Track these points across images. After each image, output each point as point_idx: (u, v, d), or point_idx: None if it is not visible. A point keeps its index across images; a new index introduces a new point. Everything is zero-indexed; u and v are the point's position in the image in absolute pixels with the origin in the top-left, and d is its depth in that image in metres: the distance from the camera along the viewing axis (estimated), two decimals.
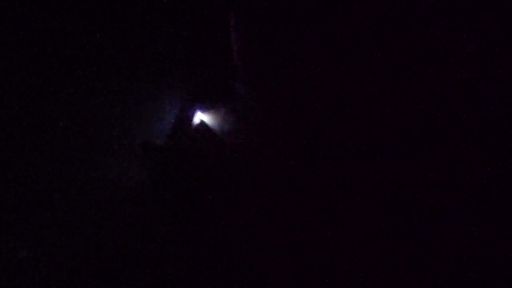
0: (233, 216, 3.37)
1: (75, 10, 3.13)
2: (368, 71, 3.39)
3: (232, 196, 3.42)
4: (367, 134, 3.37)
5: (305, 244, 3.29)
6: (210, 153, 3.47)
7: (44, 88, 3.14)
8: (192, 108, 3.49)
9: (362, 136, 3.37)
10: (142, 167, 3.27)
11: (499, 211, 3.14)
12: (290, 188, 3.36)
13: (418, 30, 3.34)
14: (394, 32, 3.36)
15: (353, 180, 3.33)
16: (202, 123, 3.52)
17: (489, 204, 3.17)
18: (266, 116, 3.45)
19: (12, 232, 3.07)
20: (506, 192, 3.14)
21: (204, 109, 3.51)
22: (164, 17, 3.33)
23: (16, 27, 3.02)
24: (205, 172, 3.44)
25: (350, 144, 3.39)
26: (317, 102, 3.43)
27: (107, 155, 3.23)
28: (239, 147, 3.44)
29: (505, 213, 3.13)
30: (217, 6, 3.43)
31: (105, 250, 3.20)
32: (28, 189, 3.10)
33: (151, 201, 3.33)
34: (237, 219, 3.37)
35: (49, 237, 3.12)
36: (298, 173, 3.39)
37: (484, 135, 3.23)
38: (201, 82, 3.49)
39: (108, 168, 3.21)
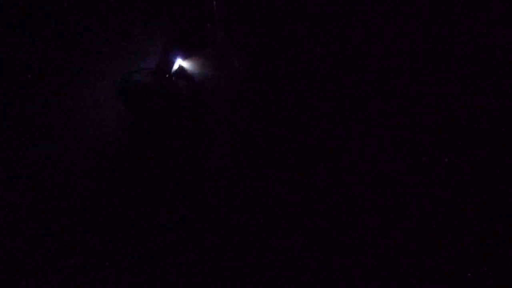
0: (209, 158, 3.52)
1: None
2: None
3: (208, 141, 3.57)
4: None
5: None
6: (187, 96, 3.61)
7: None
8: (173, 54, 3.59)
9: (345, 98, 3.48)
10: (120, 106, 3.39)
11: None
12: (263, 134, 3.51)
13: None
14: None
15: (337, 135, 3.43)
16: (181, 68, 3.63)
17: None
18: (242, 63, 3.57)
19: None
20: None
21: (184, 55, 3.61)
22: None
23: None
24: (182, 116, 3.57)
25: (325, 100, 3.51)
26: (291, 49, 3.53)
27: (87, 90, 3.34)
28: (215, 92, 3.58)
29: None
30: None
31: (78, 196, 3.28)
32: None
33: (128, 143, 3.47)
34: (213, 161, 3.52)
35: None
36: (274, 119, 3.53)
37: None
38: (182, 29, 3.57)
39: (87, 105, 3.33)
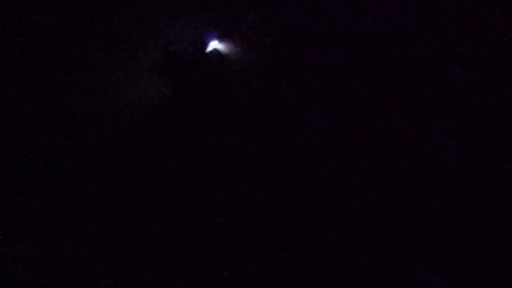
0: (235, 136, 3.83)
1: None
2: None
3: (236, 118, 3.89)
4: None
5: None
6: (221, 75, 3.98)
7: None
8: (206, 35, 4.00)
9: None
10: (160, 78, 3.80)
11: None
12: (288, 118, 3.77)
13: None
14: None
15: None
16: (214, 49, 4.03)
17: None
18: (272, 44, 3.91)
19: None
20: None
21: (217, 37, 4.02)
22: None
23: None
24: (214, 93, 3.94)
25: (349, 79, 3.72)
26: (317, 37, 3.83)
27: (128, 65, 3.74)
28: (246, 72, 3.94)
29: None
30: None
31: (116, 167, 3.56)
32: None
33: (167, 114, 3.85)
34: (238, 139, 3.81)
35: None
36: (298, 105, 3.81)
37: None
38: (215, 11, 3.98)
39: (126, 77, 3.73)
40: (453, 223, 3.23)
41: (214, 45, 4.01)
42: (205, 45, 3.99)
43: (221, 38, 4.01)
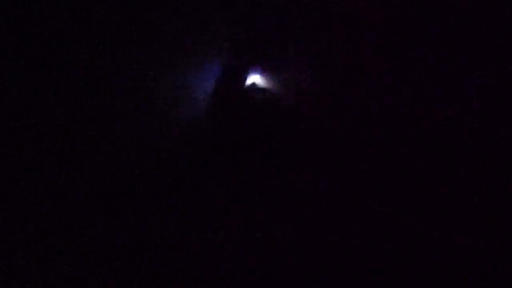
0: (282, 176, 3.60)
1: None
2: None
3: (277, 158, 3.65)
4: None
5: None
6: (260, 112, 3.74)
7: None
8: (248, 69, 3.79)
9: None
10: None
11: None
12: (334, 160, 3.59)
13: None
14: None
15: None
16: (254, 84, 3.80)
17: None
18: (315, 85, 3.73)
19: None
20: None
21: (258, 72, 3.81)
22: None
23: None
24: (255, 131, 3.70)
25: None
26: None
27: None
28: (287, 109, 3.72)
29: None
30: None
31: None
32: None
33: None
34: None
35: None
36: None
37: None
38: (258, 46, 3.79)
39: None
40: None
41: (254, 79, 3.80)
42: (247, 76, 3.77)
43: (262, 72, 3.81)
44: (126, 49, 3.31)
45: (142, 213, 3.33)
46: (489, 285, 3.11)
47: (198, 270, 3.25)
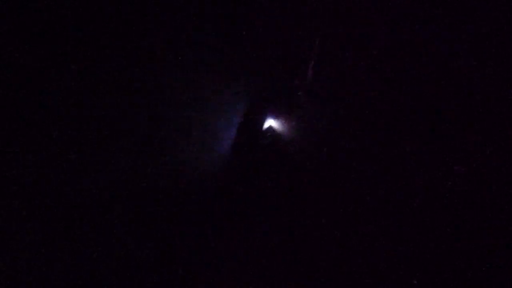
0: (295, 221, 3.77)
1: None
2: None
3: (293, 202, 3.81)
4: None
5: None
6: (275, 155, 3.92)
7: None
8: (262, 113, 3.96)
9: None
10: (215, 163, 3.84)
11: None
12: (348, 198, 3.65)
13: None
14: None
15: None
16: (270, 128, 3.97)
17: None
18: (327, 126, 3.77)
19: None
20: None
21: (273, 115, 3.96)
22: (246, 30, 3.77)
23: None
24: (269, 173, 3.89)
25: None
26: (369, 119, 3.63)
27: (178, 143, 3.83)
28: (301, 152, 3.83)
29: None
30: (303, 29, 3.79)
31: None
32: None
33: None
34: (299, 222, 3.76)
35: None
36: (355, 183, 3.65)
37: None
38: (272, 91, 3.93)
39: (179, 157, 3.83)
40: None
41: (270, 122, 3.96)
42: (260, 124, 3.95)
43: (276, 116, 3.95)
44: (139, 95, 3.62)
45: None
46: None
47: None
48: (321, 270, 3.53)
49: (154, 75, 3.49)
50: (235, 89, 3.87)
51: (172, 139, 3.69)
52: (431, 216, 3.36)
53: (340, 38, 3.62)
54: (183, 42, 3.56)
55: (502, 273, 3.07)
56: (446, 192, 3.30)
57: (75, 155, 3.17)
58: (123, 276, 3.43)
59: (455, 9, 3.34)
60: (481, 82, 3.27)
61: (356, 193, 3.61)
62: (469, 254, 3.18)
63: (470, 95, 3.29)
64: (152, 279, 3.51)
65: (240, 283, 3.58)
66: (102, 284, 3.31)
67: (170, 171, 3.67)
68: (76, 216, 3.23)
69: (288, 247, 3.69)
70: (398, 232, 3.43)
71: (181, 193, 3.73)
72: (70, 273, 3.21)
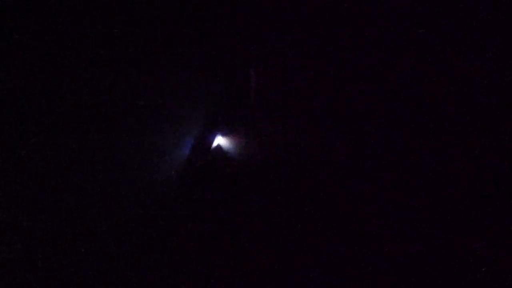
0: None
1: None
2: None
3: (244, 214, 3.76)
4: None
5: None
6: (226, 171, 3.89)
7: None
8: (211, 132, 3.97)
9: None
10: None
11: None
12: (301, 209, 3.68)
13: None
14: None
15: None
16: (219, 146, 3.97)
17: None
18: (275, 140, 3.87)
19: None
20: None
21: (222, 133, 3.98)
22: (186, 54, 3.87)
23: None
24: (220, 190, 3.84)
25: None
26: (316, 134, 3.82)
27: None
28: (251, 166, 3.86)
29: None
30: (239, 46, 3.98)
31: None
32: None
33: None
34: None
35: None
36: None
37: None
38: (220, 109, 3.99)
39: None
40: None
41: (218, 140, 3.97)
42: (210, 141, 3.94)
43: (225, 134, 3.98)
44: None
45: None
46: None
47: None
48: None
49: (103, 98, 3.47)
50: (184, 106, 3.88)
51: (120, 160, 3.58)
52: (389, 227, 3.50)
53: (283, 52, 3.84)
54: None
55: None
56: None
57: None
58: None
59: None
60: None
61: (298, 212, 3.67)
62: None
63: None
64: None
65: None
66: None
67: (117, 192, 3.51)
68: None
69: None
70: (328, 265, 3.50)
71: (124, 214, 3.60)
72: None
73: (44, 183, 3.28)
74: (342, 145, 3.67)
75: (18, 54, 3.10)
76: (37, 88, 3.22)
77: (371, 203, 3.45)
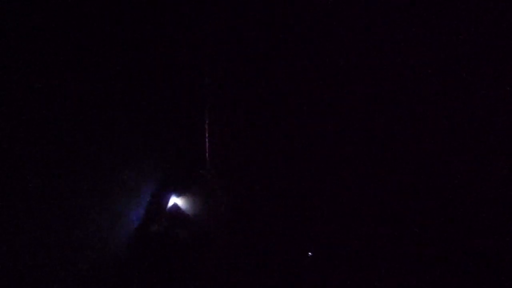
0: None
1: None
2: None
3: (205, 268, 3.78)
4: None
5: None
6: (183, 229, 3.94)
7: None
8: (166, 192, 4.05)
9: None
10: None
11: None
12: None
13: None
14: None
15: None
16: (175, 204, 4.04)
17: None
18: (228, 197, 4.00)
19: None
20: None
21: (176, 193, 4.07)
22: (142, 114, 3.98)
23: None
24: (179, 247, 3.86)
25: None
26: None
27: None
28: (207, 222, 3.94)
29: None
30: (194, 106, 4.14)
31: None
32: None
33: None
34: None
35: None
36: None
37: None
38: (174, 170, 4.10)
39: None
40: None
41: (174, 200, 4.05)
42: (164, 203, 4.01)
43: (179, 192, 4.07)
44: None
45: None
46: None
47: None
48: None
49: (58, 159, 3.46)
50: (140, 169, 3.94)
51: (77, 219, 3.54)
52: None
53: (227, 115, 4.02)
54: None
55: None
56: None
57: None
58: None
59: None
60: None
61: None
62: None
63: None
64: None
65: None
66: None
67: (76, 251, 3.44)
68: None
69: None
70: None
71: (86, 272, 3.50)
72: None
73: None
74: (299, 204, 3.80)
75: None
76: None
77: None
